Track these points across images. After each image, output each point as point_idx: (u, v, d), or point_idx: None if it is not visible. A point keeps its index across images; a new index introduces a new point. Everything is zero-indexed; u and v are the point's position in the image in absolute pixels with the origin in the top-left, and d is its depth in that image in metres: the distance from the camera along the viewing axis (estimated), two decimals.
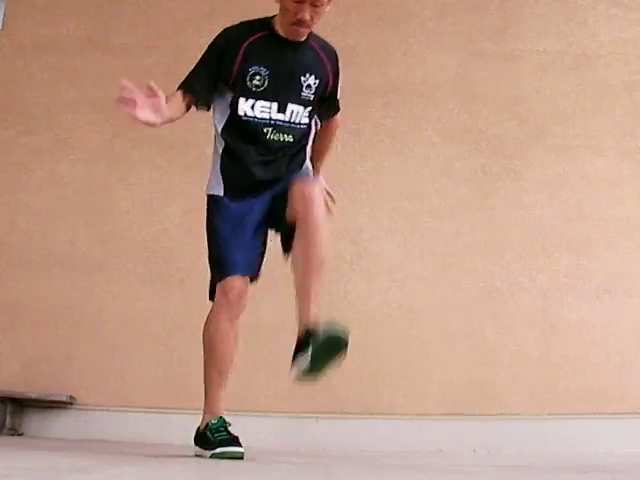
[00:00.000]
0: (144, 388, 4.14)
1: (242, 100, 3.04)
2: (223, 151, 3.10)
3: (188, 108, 3.10)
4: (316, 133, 3.23)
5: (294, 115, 3.07)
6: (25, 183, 4.51)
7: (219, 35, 3.09)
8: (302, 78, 3.07)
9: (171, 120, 3.02)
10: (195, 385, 4.15)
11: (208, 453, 2.93)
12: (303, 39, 3.05)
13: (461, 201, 4.40)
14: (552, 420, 4.06)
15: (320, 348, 2.75)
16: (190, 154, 4.33)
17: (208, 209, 3.11)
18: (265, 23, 3.06)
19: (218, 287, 3.03)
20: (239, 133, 3.07)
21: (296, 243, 2.94)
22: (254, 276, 3.06)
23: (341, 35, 4.56)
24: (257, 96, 3.03)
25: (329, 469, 2.68)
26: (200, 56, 3.10)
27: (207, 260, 3.08)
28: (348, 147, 4.44)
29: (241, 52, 3.02)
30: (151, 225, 4.41)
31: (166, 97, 2.90)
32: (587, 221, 4.32)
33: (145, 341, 4.28)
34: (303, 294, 2.90)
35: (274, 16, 3.05)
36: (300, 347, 2.81)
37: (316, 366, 2.76)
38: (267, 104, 3.04)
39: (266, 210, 3.06)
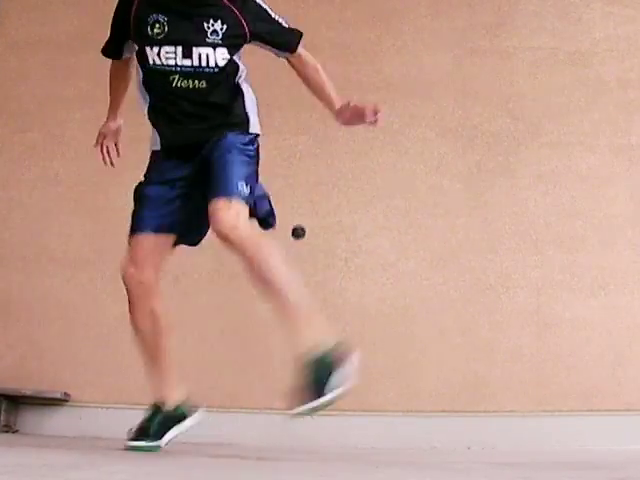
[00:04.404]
0: (139, 385, 4.11)
1: (148, 49, 2.99)
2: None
3: (120, 68, 3.22)
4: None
5: (203, 59, 2.97)
6: (19, 180, 4.51)
7: None
8: (205, 24, 2.96)
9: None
10: (189, 381, 4.17)
11: None
12: None
13: (455, 198, 4.40)
14: (546, 417, 4.06)
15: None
16: None
17: None
18: None
19: None
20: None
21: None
22: None
23: (336, 32, 4.57)
24: (160, 42, 2.96)
25: (323, 466, 2.68)
26: None
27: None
28: (342, 144, 4.44)
29: (135, 2, 2.99)
30: None
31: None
32: (581, 218, 4.32)
33: None
34: (286, 324, 2.82)
35: None
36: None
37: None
38: (172, 49, 2.96)
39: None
